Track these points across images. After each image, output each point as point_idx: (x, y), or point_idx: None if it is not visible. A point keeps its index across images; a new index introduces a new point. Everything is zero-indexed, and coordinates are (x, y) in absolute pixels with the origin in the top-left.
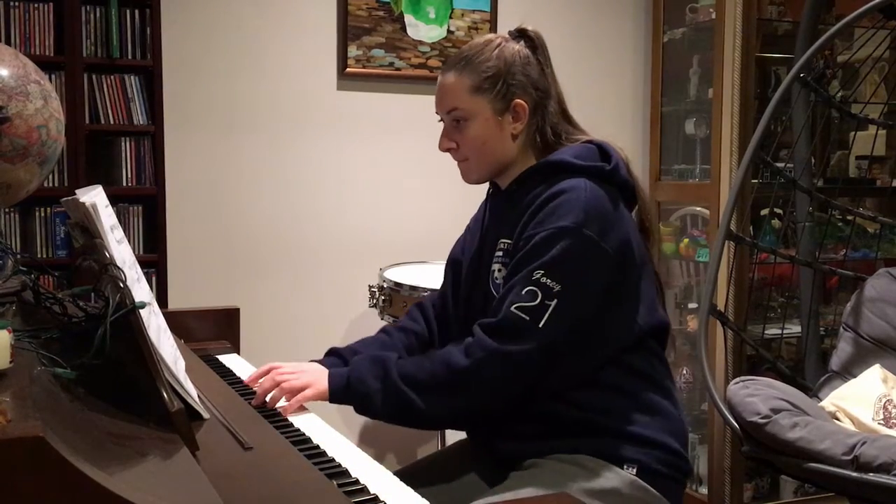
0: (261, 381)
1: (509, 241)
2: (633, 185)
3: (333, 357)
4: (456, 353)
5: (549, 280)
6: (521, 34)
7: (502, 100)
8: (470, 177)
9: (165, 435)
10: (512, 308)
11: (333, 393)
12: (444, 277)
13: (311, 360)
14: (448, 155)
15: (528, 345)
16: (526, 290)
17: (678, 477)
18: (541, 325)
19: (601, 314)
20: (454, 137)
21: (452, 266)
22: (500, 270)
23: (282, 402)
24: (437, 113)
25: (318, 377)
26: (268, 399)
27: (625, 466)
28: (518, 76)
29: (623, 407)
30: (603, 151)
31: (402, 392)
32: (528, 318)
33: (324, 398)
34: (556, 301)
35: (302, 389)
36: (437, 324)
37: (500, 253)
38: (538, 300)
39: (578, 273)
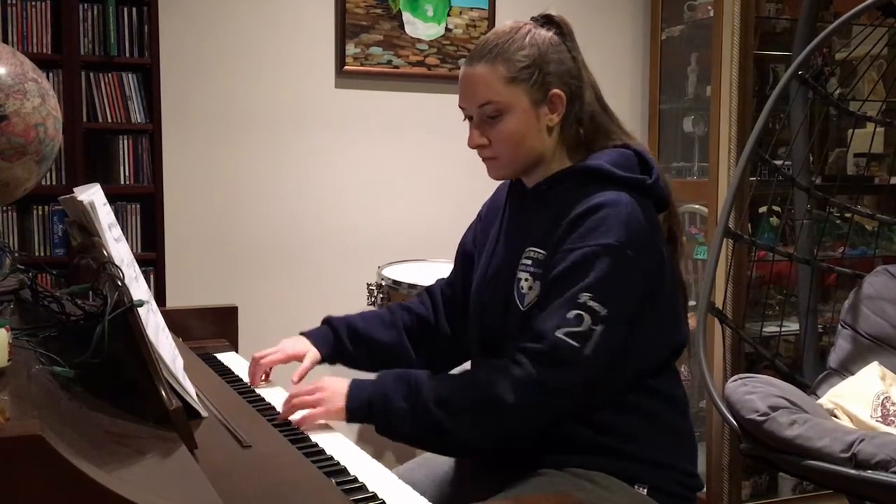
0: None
1: (540, 251)
2: (667, 197)
3: (323, 326)
4: (503, 383)
5: (595, 303)
6: (547, 20)
7: (539, 90)
8: (498, 172)
9: (164, 433)
10: (559, 334)
11: (351, 411)
12: (455, 266)
13: (301, 333)
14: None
15: (578, 374)
16: (573, 313)
17: (688, 495)
18: (588, 352)
19: (640, 335)
20: (486, 133)
21: (462, 257)
22: (527, 280)
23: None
24: (462, 108)
25: (335, 393)
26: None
27: (636, 486)
28: (553, 64)
29: (642, 429)
30: (641, 160)
31: (432, 415)
32: (577, 344)
33: (340, 417)
34: (602, 326)
35: (316, 404)
36: (446, 310)
37: (529, 262)
38: (586, 325)
39: (622, 295)
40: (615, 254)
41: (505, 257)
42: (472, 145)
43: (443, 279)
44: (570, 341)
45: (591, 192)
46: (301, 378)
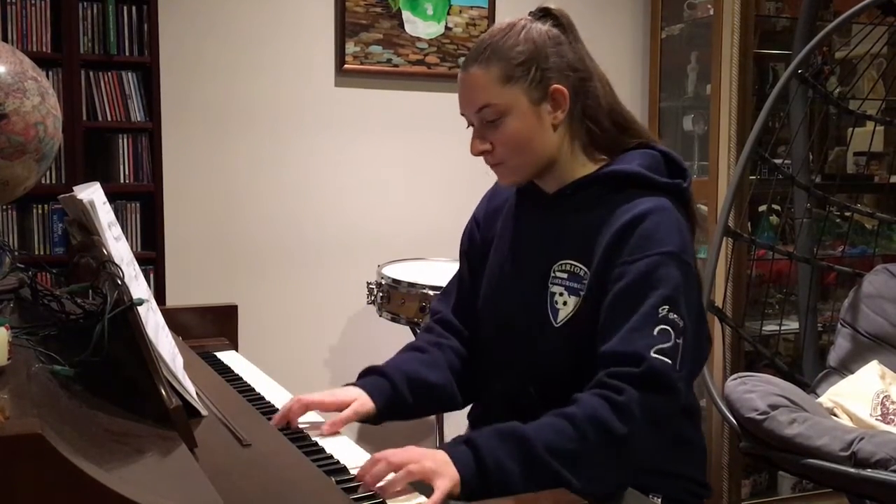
0: (371, 466)
1: (576, 264)
2: (692, 198)
3: (375, 376)
4: (609, 415)
5: (675, 315)
6: (545, 13)
7: (538, 87)
8: (509, 179)
9: (164, 432)
10: (653, 353)
11: (466, 479)
12: (461, 282)
13: (347, 384)
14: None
15: (677, 392)
16: (658, 329)
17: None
18: (679, 368)
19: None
20: (489, 138)
21: (471, 272)
22: (561, 294)
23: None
24: (463, 114)
25: (442, 463)
26: (382, 483)
27: (651, 495)
28: (552, 59)
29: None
30: (668, 161)
31: (550, 469)
32: (670, 361)
33: (456, 490)
34: (682, 338)
35: (428, 475)
36: (464, 337)
37: (564, 275)
38: (672, 340)
39: (691, 304)
40: (677, 261)
41: (528, 269)
42: (474, 153)
43: (447, 304)
44: (665, 359)
45: (630, 199)
46: (334, 427)
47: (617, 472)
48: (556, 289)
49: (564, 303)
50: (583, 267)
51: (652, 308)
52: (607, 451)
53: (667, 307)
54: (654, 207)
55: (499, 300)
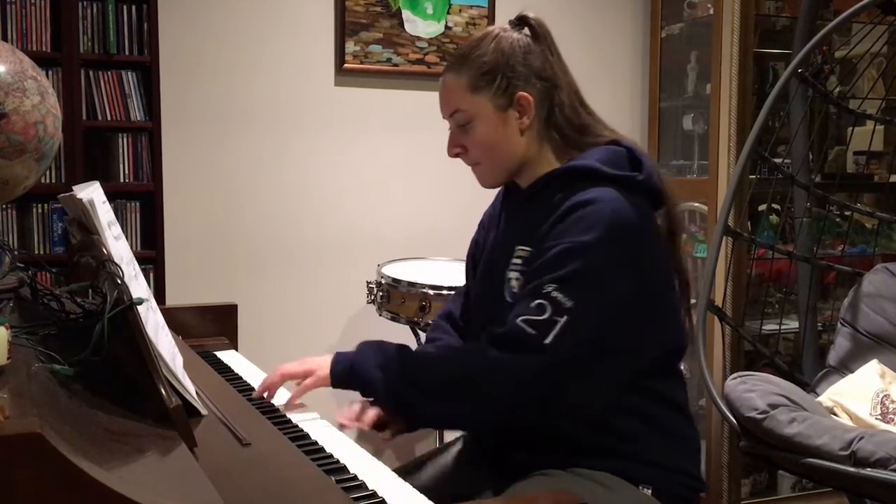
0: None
1: (528, 249)
2: (661, 191)
3: None
4: (460, 358)
5: (560, 295)
6: (521, 22)
7: (503, 95)
8: (485, 181)
9: (163, 431)
10: (517, 321)
11: (335, 375)
12: (467, 278)
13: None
14: (447, 151)
15: (533, 359)
16: (535, 303)
17: (692, 497)
18: (548, 341)
19: (624, 334)
20: (461, 141)
21: (473, 265)
22: (517, 279)
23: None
24: (443, 118)
25: (321, 363)
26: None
27: (640, 486)
28: (518, 67)
29: (643, 432)
30: (632, 157)
31: (403, 390)
32: (534, 331)
33: (326, 384)
34: (566, 318)
35: (304, 375)
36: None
37: (519, 261)
38: (546, 314)
39: (594, 291)
40: (590, 250)
41: (495, 259)
42: (449, 154)
43: (456, 299)
44: (528, 329)
45: (579, 190)
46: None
47: (458, 407)
48: (511, 274)
49: (521, 287)
50: (530, 250)
51: (540, 285)
52: (449, 387)
53: (554, 286)
54: (591, 198)
55: (480, 294)
